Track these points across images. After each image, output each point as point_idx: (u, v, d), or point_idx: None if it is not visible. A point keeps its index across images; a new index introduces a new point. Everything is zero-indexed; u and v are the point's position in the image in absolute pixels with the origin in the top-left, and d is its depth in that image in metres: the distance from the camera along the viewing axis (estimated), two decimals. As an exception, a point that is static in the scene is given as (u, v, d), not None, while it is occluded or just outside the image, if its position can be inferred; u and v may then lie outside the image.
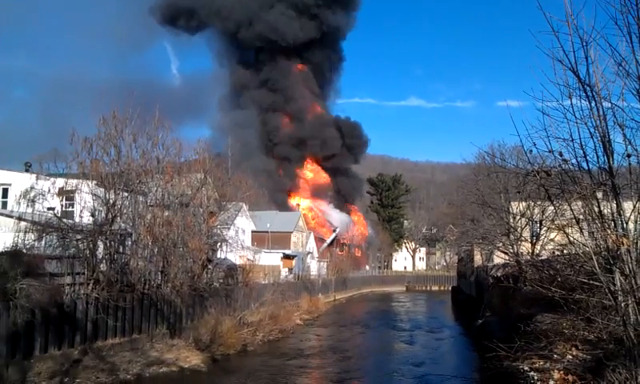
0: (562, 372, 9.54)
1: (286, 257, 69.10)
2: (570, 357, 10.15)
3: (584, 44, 8.38)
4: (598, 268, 8.54)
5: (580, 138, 8.84)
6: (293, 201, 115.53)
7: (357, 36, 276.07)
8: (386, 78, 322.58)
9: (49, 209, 25.84)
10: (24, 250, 23.44)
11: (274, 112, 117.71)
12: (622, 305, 8.26)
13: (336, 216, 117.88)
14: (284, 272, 62.81)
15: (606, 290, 8.52)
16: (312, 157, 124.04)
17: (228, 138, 68.56)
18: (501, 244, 33.15)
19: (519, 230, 29.84)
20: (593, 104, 8.62)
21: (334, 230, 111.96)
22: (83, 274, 25.10)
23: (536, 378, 9.49)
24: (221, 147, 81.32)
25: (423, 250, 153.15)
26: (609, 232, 8.63)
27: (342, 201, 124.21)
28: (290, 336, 38.42)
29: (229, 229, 41.58)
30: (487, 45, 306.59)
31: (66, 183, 27.72)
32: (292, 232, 78.88)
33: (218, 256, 38.86)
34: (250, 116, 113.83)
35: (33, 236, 24.54)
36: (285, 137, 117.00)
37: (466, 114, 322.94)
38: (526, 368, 10.00)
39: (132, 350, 24.96)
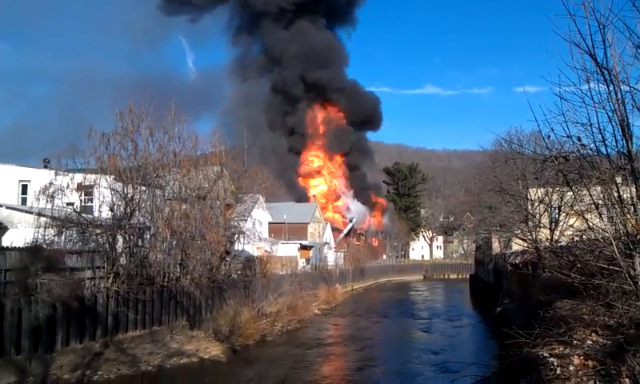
0: (581, 357, 9.48)
1: (303, 248, 69.28)
2: (590, 342, 10.09)
3: (601, 27, 8.28)
4: (617, 253, 8.48)
5: (598, 123, 8.76)
6: (311, 187, 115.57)
7: (372, 24, 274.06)
8: (402, 66, 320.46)
9: (68, 204, 26.12)
10: (44, 246, 23.74)
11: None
12: (643, 289, 8.20)
13: (352, 206, 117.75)
14: (301, 263, 62.98)
15: (626, 274, 8.46)
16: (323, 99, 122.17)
17: (243, 130, 68.78)
18: (519, 231, 32.98)
19: (537, 216, 29.67)
20: (611, 88, 8.52)
21: (351, 220, 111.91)
22: (103, 267, 25.40)
23: (556, 363, 9.44)
24: (229, 129, 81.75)
25: (440, 238, 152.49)
26: (628, 217, 8.57)
27: (359, 189, 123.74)
28: (308, 326, 38.56)
29: (246, 221, 41.76)
30: (504, 30, 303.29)
31: (85, 178, 27.98)
32: (309, 223, 79.03)
33: (236, 248, 39.05)
34: (256, 87, 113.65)
35: (53, 231, 24.82)
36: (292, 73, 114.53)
37: (483, 101, 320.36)
38: (545, 354, 9.96)
39: (152, 341, 25.22)
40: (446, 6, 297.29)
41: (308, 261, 66.92)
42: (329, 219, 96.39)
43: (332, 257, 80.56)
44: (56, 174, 26.35)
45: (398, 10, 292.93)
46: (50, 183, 25.85)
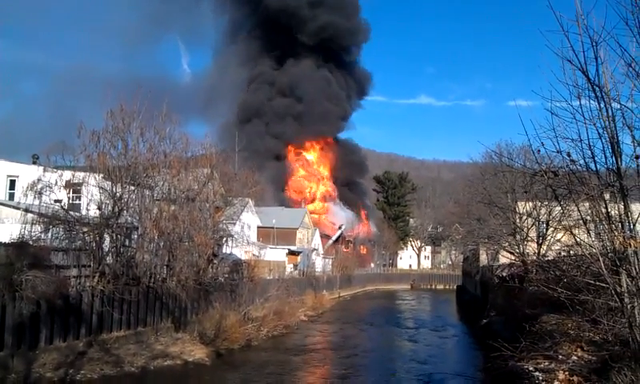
0: (567, 373, 9.51)
1: (292, 253, 69.15)
2: (576, 358, 10.12)
3: (594, 44, 8.34)
4: (604, 269, 8.51)
5: (588, 139, 8.81)
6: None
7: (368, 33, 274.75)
8: (397, 75, 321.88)
9: (56, 201, 25.94)
10: (30, 242, 23.56)
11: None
12: (629, 307, 8.23)
13: (341, 213, 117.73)
14: (289, 268, 62.86)
15: (613, 291, 8.50)
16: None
17: (235, 133, 68.71)
18: (507, 244, 33.09)
19: (525, 230, 29.78)
20: (602, 105, 8.57)
21: (340, 227, 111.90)
22: (89, 266, 25.23)
23: (541, 378, 9.47)
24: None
25: (429, 248, 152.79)
26: (616, 233, 8.60)
27: (349, 197, 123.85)
28: (294, 332, 38.48)
29: (235, 224, 41.63)
30: (499, 43, 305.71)
31: (73, 176, 27.82)
32: (298, 228, 78.87)
33: (224, 251, 38.94)
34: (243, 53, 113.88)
35: (39, 228, 24.66)
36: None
37: (476, 113, 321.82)
38: (530, 368, 9.98)
39: (137, 342, 25.06)
40: (443, 17, 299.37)
41: (296, 266, 66.80)
42: (315, 222, 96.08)
43: (320, 263, 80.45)
44: (44, 171, 26.19)
45: (393, 21, 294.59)
46: (39, 179, 25.69)
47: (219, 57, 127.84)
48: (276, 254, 61.72)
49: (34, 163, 32.01)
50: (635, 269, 8.16)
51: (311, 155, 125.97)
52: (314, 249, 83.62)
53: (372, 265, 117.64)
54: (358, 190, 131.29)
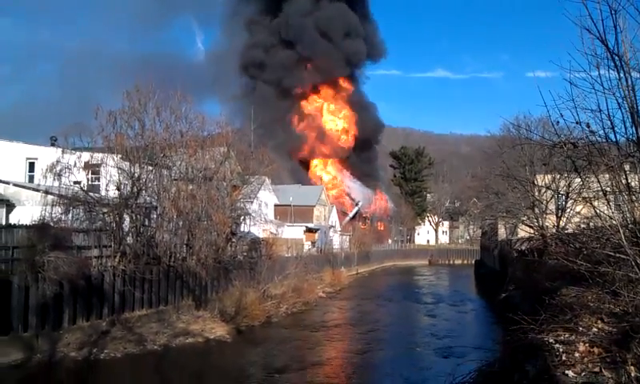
0: (587, 344, 9.47)
1: (309, 230, 69.37)
2: (596, 329, 10.07)
3: (613, 12, 8.19)
4: (624, 241, 8.44)
5: (608, 109, 8.68)
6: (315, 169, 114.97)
7: (382, 7, 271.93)
8: (413, 49, 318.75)
9: (75, 182, 26.21)
10: (51, 223, 23.87)
11: None
12: (649, 278, 8.18)
13: (358, 189, 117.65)
14: (307, 245, 63.09)
15: (633, 263, 8.44)
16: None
17: (251, 111, 68.66)
18: (525, 217, 32.91)
19: (544, 202, 29.59)
20: (621, 74, 8.44)
21: (357, 204, 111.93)
22: (110, 246, 25.55)
23: (561, 349, 9.44)
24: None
25: (446, 223, 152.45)
26: (636, 204, 8.53)
27: (365, 174, 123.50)
28: (313, 308, 38.75)
29: (252, 202, 41.81)
30: (516, 14, 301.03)
31: (92, 157, 28.10)
32: (315, 206, 79.01)
33: (242, 229, 39.16)
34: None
35: (60, 209, 24.96)
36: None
37: (493, 86, 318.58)
38: (550, 340, 9.95)
39: (159, 321, 25.41)
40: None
41: (313, 244, 67.03)
42: (333, 200, 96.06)
43: (337, 240, 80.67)
44: (63, 152, 26.43)
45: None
46: (57, 161, 25.94)
47: (227, 27, 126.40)
48: (293, 231, 61.94)
49: (53, 145, 32.31)
50: (656, 239, 8.10)
51: (318, 103, 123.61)
52: (332, 226, 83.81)
53: (389, 241, 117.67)
54: (373, 162, 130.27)
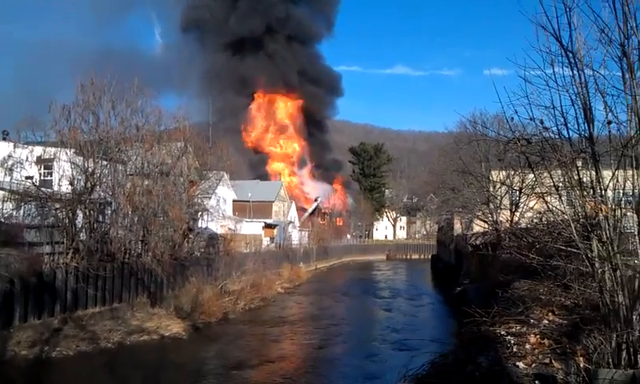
0: (538, 336, 9.68)
1: (268, 226, 69.14)
2: (547, 322, 10.31)
3: (567, 9, 8.33)
4: (575, 235, 8.62)
5: (561, 106, 8.82)
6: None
7: (344, 3, 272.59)
8: (374, 45, 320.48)
9: (27, 178, 25.59)
10: (2, 220, 23.26)
11: None
12: (599, 271, 8.36)
13: (317, 185, 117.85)
14: (265, 241, 62.87)
15: (584, 256, 8.61)
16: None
17: (209, 105, 68.04)
18: (480, 212, 33.50)
19: (499, 198, 30.14)
20: (575, 71, 8.60)
21: (316, 199, 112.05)
22: (62, 243, 24.97)
23: (513, 341, 9.63)
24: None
25: (404, 218, 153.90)
26: (587, 199, 8.70)
27: (323, 170, 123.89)
28: (271, 304, 38.66)
29: (210, 198, 41.43)
30: (475, 11, 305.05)
31: (44, 151, 27.43)
32: (273, 201, 78.80)
33: (199, 225, 38.78)
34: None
35: (11, 205, 24.33)
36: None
37: (452, 83, 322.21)
38: (503, 332, 10.15)
39: (113, 318, 24.97)
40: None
41: (272, 239, 66.84)
42: (291, 195, 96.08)
43: (296, 236, 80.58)
44: (15, 147, 25.78)
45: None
46: (9, 156, 25.29)
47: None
48: (252, 227, 61.65)
49: (4, 139, 31.39)
50: (606, 234, 8.28)
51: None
52: (291, 222, 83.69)
53: (348, 236, 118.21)
54: (329, 158, 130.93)
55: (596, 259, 8.43)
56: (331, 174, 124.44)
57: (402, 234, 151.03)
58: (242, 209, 65.77)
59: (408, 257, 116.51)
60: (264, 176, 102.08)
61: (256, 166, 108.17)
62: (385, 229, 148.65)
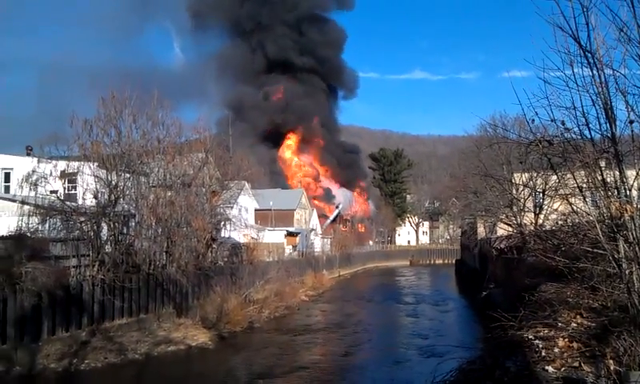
0: (566, 339, 9.57)
1: (290, 234, 69.23)
2: (575, 325, 10.18)
3: (584, 9, 8.27)
4: (601, 236, 8.52)
5: (582, 106, 8.77)
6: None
7: (360, 9, 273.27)
8: (390, 51, 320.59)
9: (51, 192, 25.91)
10: (28, 234, 23.54)
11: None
12: (627, 272, 8.26)
13: (339, 192, 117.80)
14: (288, 249, 62.98)
15: (610, 257, 8.52)
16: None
17: (229, 116, 68.44)
18: (504, 215, 33.19)
19: (522, 200, 29.85)
20: (594, 71, 8.52)
21: (337, 207, 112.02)
22: (88, 255, 25.23)
23: (541, 345, 9.52)
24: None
25: (426, 223, 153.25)
26: (612, 200, 8.61)
27: (345, 177, 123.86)
28: (295, 312, 38.66)
29: (232, 207, 41.64)
30: (491, 13, 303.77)
31: (68, 166, 27.78)
32: (295, 209, 78.91)
33: (222, 235, 38.96)
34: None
35: (36, 219, 24.62)
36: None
37: (471, 86, 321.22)
38: (530, 336, 10.04)
39: (139, 330, 25.15)
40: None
41: (295, 247, 66.91)
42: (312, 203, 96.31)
43: (319, 243, 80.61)
44: (39, 162, 26.11)
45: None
46: (33, 171, 25.62)
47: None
48: (274, 235, 61.79)
49: (28, 155, 31.86)
50: (632, 234, 8.18)
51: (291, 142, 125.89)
52: (312, 229, 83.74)
53: (370, 242, 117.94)
54: (354, 167, 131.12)
55: (623, 260, 8.34)
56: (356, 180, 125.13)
57: (424, 239, 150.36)
58: (263, 217, 65.97)
59: (431, 262, 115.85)
60: (283, 182, 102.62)
61: (277, 175, 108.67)
62: (407, 234, 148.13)
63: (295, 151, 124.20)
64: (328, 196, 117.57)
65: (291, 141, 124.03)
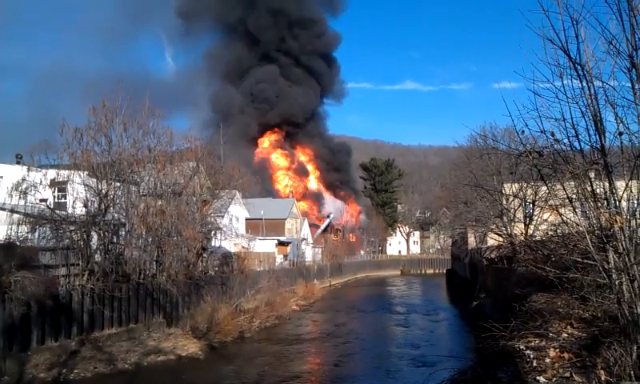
0: (557, 350, 9.61)
1: (281, 243, 69.17)
2: (566, 335, 10.23)
3: (574, 22, 8.36)
4: (591, 247, 8.58)
5: (572, 118, 8.83)
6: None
7: (353, 19, 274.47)
8: (383, 61, 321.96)
9: (41, 200, 25.75)
10: (17, 243, 23.38)
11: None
12: (616, 283, 8.31)
13: (329, 201, 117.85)
14: (279, 259, 62.90)
15: (600, 268, 8.56)
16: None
17: (220, 125, 68.42)
18: (494, 226, 33.26)
19: (512, 211, 29.95)
20: (584, 83, 8.61)
21: (328, 216, 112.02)
22: (78, 265, 25.09)
23: (532, 356, 9.55)
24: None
25: (417, 233, 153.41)
26: (602, 211, 8.67)
27: (335, 187, 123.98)
28: (286, 322, 38.56)
29: (223, 217, 41.57)
30: (482, 25, 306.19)
31: (58, 174, 27.66)
32: (286, 219, 78.84)
33: (213, 244, 38.88)
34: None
35: (26, 228, 24.48)
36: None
37: (462, 97, 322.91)
38: (521, 346, 10.07)
39: (129, 339, 25.02)
40: (424, 1, 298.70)
41: (286, 257, 66.85)
42: (303, 212, 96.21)
43: (310, 253, 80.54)
44: (29, 170, 26.02)
45: (378, 6, 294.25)
46: (23, 179, 25.53)
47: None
48: (265, 245, 61.72)
49: (18, 163, 31.73)
50: (622, 245, 8.24)
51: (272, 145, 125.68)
52: (304, 238, 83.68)
53: (362, 252, 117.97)
54: (345, 176, 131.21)
55: (613, 270, 8.39)
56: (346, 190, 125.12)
57: (415, 249, 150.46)
58: (254, 227, 65.90)
59: (422, 271, 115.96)
60: (271, 191, 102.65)
61: (267, 185, 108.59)
62: (398, 244, 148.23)
63: (282, 147, 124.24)
64: (318, 198, 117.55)
65: (278, 137, 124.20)
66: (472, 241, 51.08)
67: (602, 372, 8.33)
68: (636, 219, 8.29)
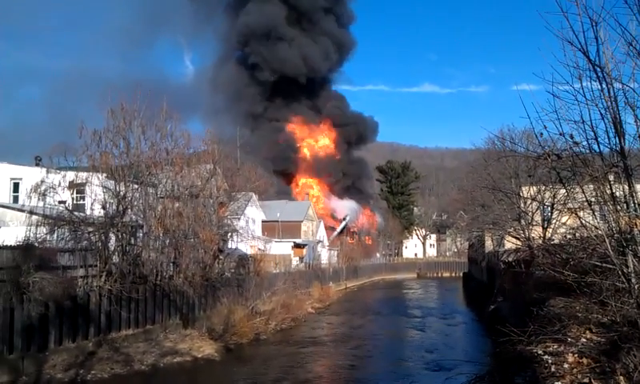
0: (576, 355, 9.50)
1: (297, 246, 69.21)
2: (584, 340, 10.10)
3: (593, 24, 8.28)
4: (610, 250, 8.48)
5: (591, 120, 8.75)
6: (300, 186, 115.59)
7: (370, 22, 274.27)
8: (400, 64, 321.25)
9: (60, 202, 25.97)
10: (36, 244, 23.59)
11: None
12: (636, 287, 8.21)
13: (345, 204, 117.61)
14: (295, 261, 62.94)
15: (619, 272, 8.47)
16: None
17: (237, 127, 68.70)
18: (512, 229, 33.03)
19: (530, 214, 29.73)
20: (603, 85, 8.51)
21: (344, 219, 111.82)
22: (96, 266, 25.28)
23: (550, 361, 9.45)
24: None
25: (434, 236, 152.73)
26: (621, 214, 8.57)
27: (353, 191, 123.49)
28: (302, 324, 38.54)
29: (239, 219, 41.70)
30: (501, 27, 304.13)
31: (77, 176, 27.85)
32: (302, 221, 78.89)
33: (229, 246, 38.98)
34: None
35: (45, 229, 24.67)
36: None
37: (480, 99, 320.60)
38: (539, 351, 9.97)
39: (146, 340, 25.13)
40: (443, 2, 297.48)
41: (302, 259, 66.85)
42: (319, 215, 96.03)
43: (325, 255, 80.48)
44: (48, 172, 26.21)
45: (396, 9, 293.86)
46: (42, 181, 25.72)
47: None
48: (281, 247, 61.76)
49: (37, 165, 32.04)
50: (642, 249, 8.13)
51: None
52: (319, 241, 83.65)
53: (377, 255, 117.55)
54: (362, 176, 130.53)
55: (632, 274, 8.29)
56: (363, 193, 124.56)
57: (432, 252, 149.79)
58: (270, 229, 66.04)
59: (439, 275, 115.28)
60: (287, 192, 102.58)
61: (283, 187, 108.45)
62: (414, 247, 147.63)
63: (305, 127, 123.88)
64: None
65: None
66: (489, 244, 50.74)
67: (622, 378, 8.22)
68: (656, 223, 8.18)
